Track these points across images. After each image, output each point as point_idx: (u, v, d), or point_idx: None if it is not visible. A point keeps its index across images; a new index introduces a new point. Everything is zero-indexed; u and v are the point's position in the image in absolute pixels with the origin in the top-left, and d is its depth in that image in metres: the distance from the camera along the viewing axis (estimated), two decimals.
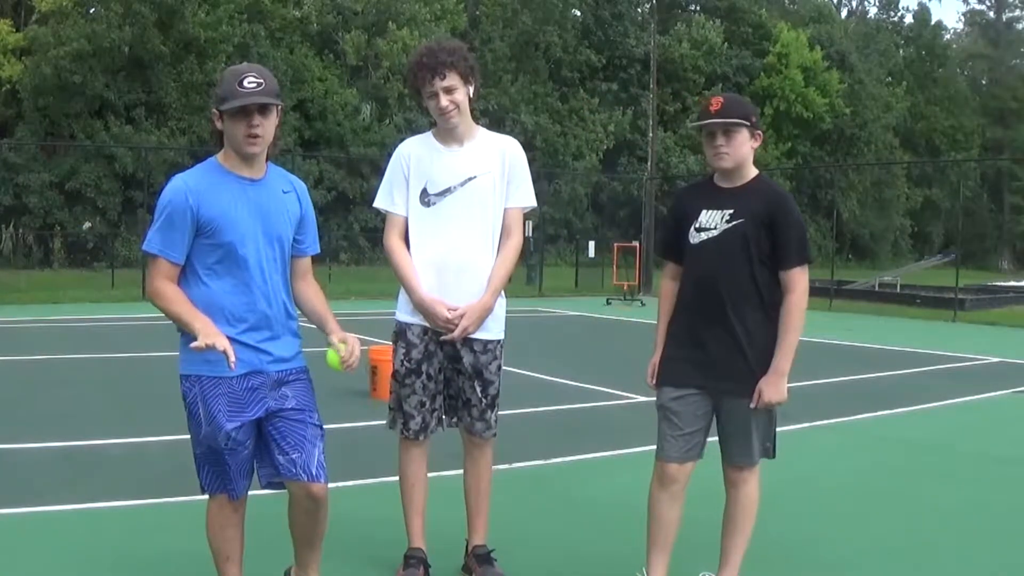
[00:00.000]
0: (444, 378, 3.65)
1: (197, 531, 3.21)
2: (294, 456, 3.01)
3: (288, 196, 3.12)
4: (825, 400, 8.27)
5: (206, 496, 3.14)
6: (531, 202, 3.71)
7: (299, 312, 3.22)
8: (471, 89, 3.58)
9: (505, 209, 3.64)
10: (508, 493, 4.89)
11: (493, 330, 3.64)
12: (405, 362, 3.60)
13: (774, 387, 3.27)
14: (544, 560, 4.05)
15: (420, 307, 3.55)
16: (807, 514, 4.87)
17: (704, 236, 3.33)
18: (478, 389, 3.62)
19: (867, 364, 10.93)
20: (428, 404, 3.61)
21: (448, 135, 3.62)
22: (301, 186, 3.21)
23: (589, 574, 3.93)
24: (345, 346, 3.08)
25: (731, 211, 3.28)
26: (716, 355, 3.30)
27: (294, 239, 3.15)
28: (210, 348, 2.80)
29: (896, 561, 4.15)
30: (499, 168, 3.62)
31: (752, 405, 3.28)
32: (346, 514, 4.37)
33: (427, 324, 3.57)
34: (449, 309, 3.52)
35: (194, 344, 2.81)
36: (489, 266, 3.61)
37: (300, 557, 3.25)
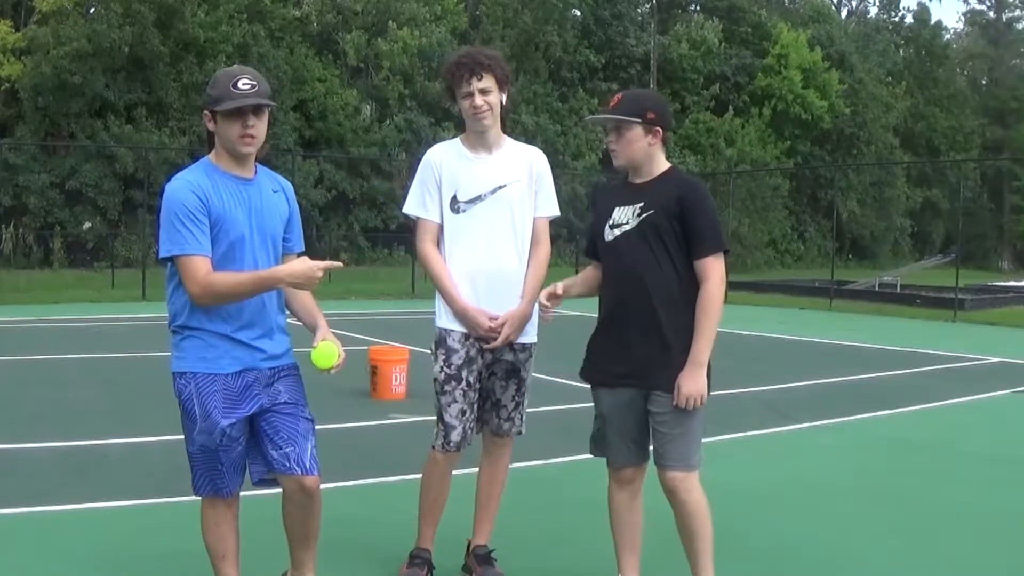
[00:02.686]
0: (479, 386, 3.65)
1: (196, 531, 3.22)
2: (287, 450, 3.02)
3: (277, 195, 3.15)
4: (825, 400, 8.27)
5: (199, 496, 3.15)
6: (556, 211, 3.78)
7: (288, 312, 3.23)
8: (504, 97, 3.60)
9: (534, 218, 3.69)
10: (508, 493, 4.88)
11: (530, 334, 3.72)
12: (445, 368, 3.58)
13: (691, 379, 3.14)
14: (544, 560, 4.05)
15: (462, 316, 3.57)
16: (807, 514, 4.87)
17: (617, 232, 3.29)
18: (512, 388, 3.68)
19: (867, 364, 10.92)
20: (468, 413, 3.60)
21: (477, 142, 3.64)
22: (288, 185, 3.24)
23: (588, 574, 3.93)
24: (336, 345, 3.07)
25: (641, 204, 3.24)
26: (642, 354, 3.22)
27: (283, 237, 3.17)
28: None
29: (896, 561, 4.14)
30: (527, 177, 3.66)
31: (673, 402, 3.17)
32: (346, 514, 4.37)
33: (466, 330, 3.58)
34: (490, 318, 3.54)
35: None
36: (519, 273, 3.65)
37: (295, 557, 3.25)
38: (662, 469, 3.26)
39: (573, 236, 32.64)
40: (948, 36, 62.49)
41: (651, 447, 3.35)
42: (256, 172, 3.10)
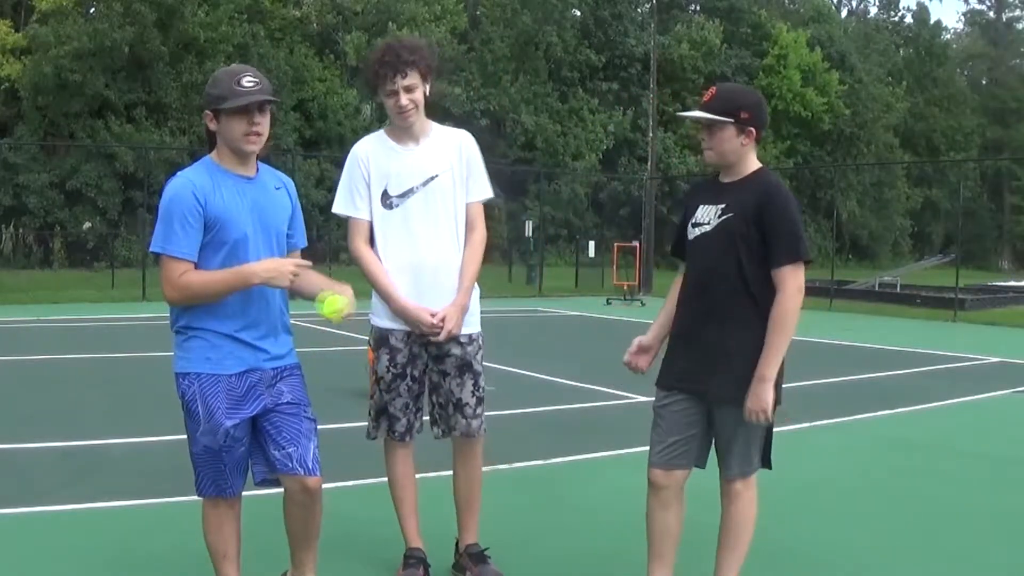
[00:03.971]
0: (430, 382, 3.64)
1: (197, 531, 3.22)
2: (290, 450, 3.02)
3: (280, 192, 3.14)
4: (825, 400, 8.27)
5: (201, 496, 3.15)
6: (489, 193, 3.70)
7: (299, 298, 3.22)
8: (428, 87, 3.55)
9: (467, 204, 3.63)
10: (508, 493, 4.89)
11: (472, 324, 3.64)
12: (391, 368, 3.58)
13: (754, 395, 3.03)
14: (543, 560, 4.04)
15: (402, 315, 3.53)
16: (807, 514, 4.86)
17: (698, 232, 3.21)
18: (469, 383, 3.61)
19: (867, 364, 10.93)
20: (412, 405, 3.61)
21: (404, 133, 3.59)
22: (289, 181, 3.23)
23: (588, 574, 3.93)
24: (346, 298, 3.02)
25: (723, 205, 3.15)
26: (704, 358, 3.14)
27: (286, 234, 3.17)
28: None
29: (895, 561, 4.15)
30: (458, 163, 3.61)
31: (746, 417, 3.08)
32: (346, 514, 4.38)
33: (408, 328, 3.56)
34: (431, 314, 3.51)
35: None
36: (460, 264, 3.60)
37: (296, 557, 3.25)
38: (721, 474, 3.25)
39: (573, 236, 32.64)
40: (948, 36, 62.54)
41: (693, 456, 3.28)
42: (258, 170, 3.10)
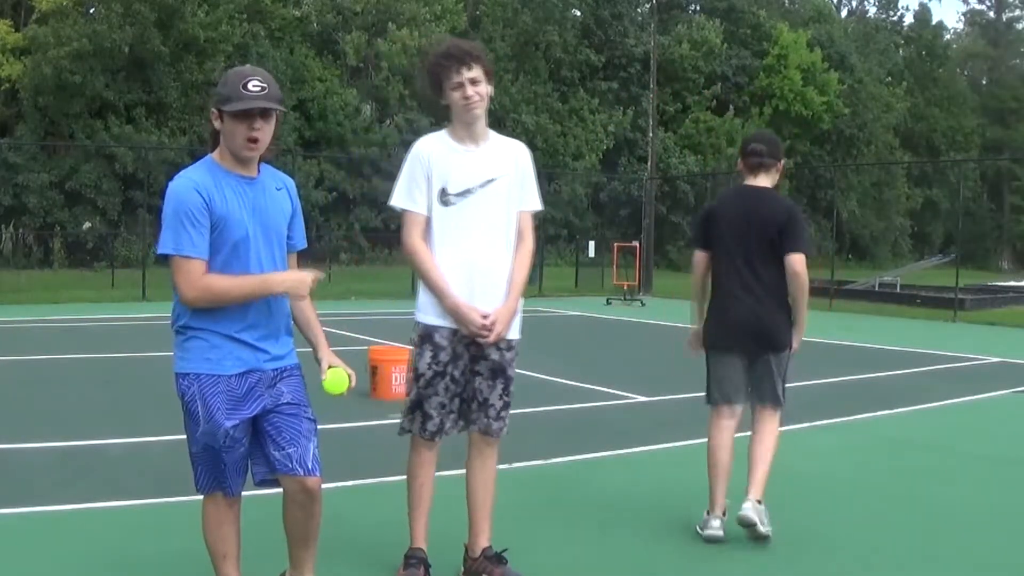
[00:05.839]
0: (463, 380, 3.64)
1: (197, 531, 3.21)
2: (290, 451, 3.02)
3: (280, 193, 3.13)
4: (825, 400, 8.27)
5: (201, 496, 3.15)
6: (540, 206, 3.78)
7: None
8: (491, 88, 3.59)
9: (518, 213, 3.67)
10: (508, 493, 4.87)
11: (515, 330, 3.67)
12: (433, 365, 3.56)
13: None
14: (544, 560, 4.04)
15: (454, 313, 3.52)
16: (806, 514, 4.86)
17: None
18: (499, 387, 3.63)
19: (867, 364, 10.93)
20: (447, 406, 3.60)
21: (465, 133, 3.61)
22: (290, 182, 3.23)
23: (587, 573, 3.93)
24: (344, 368, 3.14)
25: None
26: None
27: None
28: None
29: (895, 561, 4.14)
30: (514, 171, 3.66)
31: None
32: (346, 514, 4.38)
33: (455, 326, 3.55)
34: (482, 316, 3.52)
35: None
36: (509, 268, 3.63)
37: (294, 558, 3.25)
38: None
39: (573, 236, 32.63)
40: (948, 36, 62.55)
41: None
42: (259, 171, 3.09)
